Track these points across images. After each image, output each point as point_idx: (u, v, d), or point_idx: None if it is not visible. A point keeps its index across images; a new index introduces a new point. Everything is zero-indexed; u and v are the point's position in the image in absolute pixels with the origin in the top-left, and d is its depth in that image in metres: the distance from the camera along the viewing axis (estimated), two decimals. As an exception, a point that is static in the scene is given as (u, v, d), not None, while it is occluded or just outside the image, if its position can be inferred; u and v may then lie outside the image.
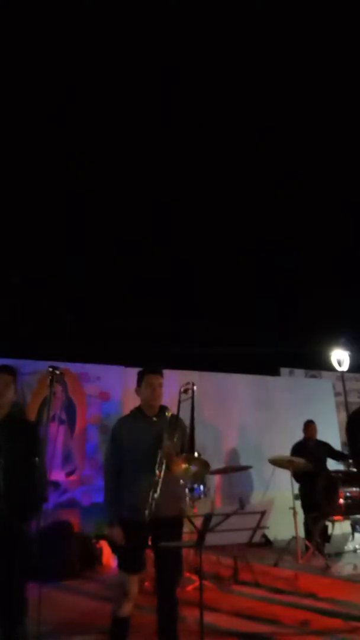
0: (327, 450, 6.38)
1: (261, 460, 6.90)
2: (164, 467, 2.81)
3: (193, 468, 2.86)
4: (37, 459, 2.82)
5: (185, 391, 3.16)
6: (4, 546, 2.67)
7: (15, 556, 2.69)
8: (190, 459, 2.83)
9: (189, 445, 2.88)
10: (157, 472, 2.77)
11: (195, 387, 3.08)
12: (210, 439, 6.95)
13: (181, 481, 3.89)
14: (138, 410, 3.11)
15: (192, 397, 3.06)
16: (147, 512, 2.82)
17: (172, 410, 3.15)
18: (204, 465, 2.91)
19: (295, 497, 5.73)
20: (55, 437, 5.78)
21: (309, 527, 5.88)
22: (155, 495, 2.82)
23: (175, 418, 3.07)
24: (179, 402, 3.17)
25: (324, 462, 6.30)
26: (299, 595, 4.33)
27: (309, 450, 6.12)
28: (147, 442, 2.92)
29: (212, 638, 3.34)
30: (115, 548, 2.90)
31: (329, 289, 15.68)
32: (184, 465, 2.83)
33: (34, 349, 7.36)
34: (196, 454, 2.90)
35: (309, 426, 6.39)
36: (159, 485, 2.82)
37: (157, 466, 2.79)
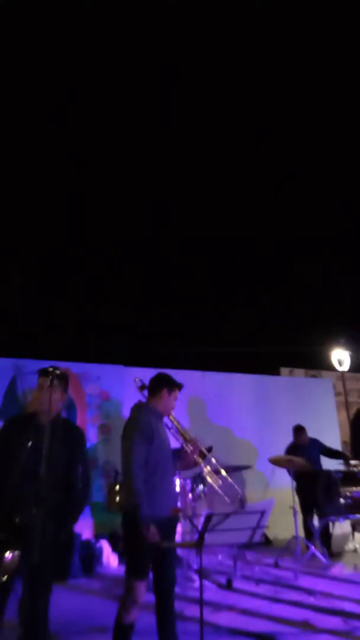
0: (319, 448, 6.32)
1: (261, 460, 6.91)
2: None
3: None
4: (80, 467, 2.75)
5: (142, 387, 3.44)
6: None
7: (45, 563, 2.41)
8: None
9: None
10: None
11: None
12: (211, 439, 6.92)
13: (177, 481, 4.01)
14: (157, 410, 3.06)
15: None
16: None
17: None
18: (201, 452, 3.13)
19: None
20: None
21: (309, 527, 5.87)
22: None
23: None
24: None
25: (318, 460, 6.26)
26: (299, 595, 4.33)
27: (303, 450, 6.07)
28: (167, 442, 3.01)
29: (212, 638, 3.35)
30: (133, 551, 2.74)
31: (329, 289, 15.69)
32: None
33: (34, 349, 7.35)
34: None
35: (300, 432, 6.24)
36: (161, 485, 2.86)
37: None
